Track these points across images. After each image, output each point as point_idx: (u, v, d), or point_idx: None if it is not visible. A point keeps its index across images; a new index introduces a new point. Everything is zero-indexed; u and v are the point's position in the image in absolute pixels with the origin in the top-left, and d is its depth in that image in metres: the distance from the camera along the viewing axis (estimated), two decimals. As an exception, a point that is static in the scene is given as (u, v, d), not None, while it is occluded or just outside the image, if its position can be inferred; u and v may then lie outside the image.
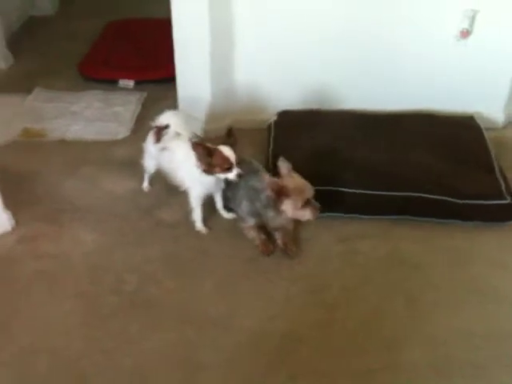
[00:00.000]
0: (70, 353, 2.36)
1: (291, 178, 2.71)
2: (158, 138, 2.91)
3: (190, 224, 2.96)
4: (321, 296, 2.60)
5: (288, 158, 3.11)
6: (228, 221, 3.00)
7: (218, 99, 3.66)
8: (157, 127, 2.96)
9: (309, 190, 2.68)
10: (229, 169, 2.72)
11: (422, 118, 3.65)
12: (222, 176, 2.76)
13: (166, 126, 2.90)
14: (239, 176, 2.73)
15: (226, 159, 2.71)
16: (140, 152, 3.17)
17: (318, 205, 2.69)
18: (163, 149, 2.90)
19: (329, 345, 2.39)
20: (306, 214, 2.69)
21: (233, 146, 2.75)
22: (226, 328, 2.45)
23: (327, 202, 2.98)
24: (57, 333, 2.44)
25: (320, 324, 2.48)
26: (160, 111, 3.91)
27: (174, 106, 3.84)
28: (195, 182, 2.83)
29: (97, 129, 3.81)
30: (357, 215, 3.05)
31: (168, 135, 2.89)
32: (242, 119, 3.73)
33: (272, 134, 3.52)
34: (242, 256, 2.80)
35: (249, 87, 3.75)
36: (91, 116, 3.95)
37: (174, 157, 2.88)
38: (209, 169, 2.73)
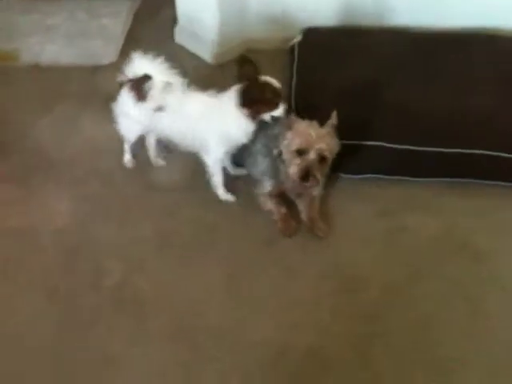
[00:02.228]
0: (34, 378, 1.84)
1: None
2: (142, 95, 2.17)
3: (192, 188, 2.33)
4: (357, 298, 2.03)
5: (314, 98, 2.45)
6: (241, 190, 2.36)
7: (227, 9, 2.87)
8: (132, 81, 2.20)
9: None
10: (277, 104, 2.13)
11: (486, 41, 2.84)
12: (268, 116, 2.15)
13: (146, 77, 2.15)
14: (287, 111, 2.16)
15: (277, 92, 2.12)
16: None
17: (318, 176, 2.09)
18: (159, 109, 2.17)
19: (365, 370, 1.85)
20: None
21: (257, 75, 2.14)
22: (232, 343, 1.91)
23: (362, 159, 2.36)
24: (19, 348, 1.92)
25: (356, 340, 1.91)
26: (156, 25, 3.24)
27: (172, 18, 3.08)
28: (222, 139, 2.18)
29: (78, 49, 3.10)
30: (400, 177, 2.39)
31: (155, 89, 2.15)
32: (258, 38, 2.99)
33: (295, 61, 2.79)
34: (257, 237, 2.21)
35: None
36: (72, 31, 3.22)
37: (184, 115, 2.18)
38: (258, 110, 2.12)
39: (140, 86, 2.15)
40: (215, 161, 2.24)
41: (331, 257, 2.15)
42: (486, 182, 2.36)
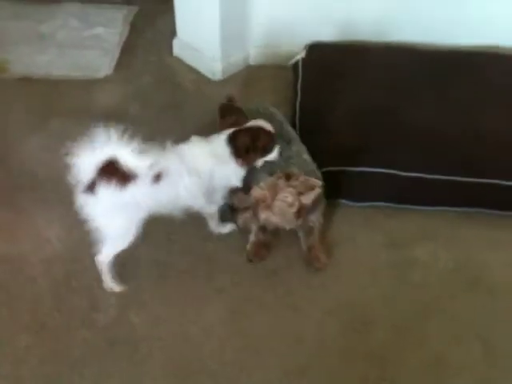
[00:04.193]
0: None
1: None
2: (127, 176, 1.81)
3: (189, 215, 2.20)
4: (365, 338, 1.90)
5: (321, 120, 2.33)
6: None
7: (229, 23, 2.73)
8: (104, 167, 1.80)
9: None
10: (271, 148, 2.01)
11: (497, 60, 2.74)
12: (262, 161, 2.02)
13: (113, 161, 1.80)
14: (280, 153, 2.03)
15: (270, 137, 2.00)
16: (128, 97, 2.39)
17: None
18: (157, 178, 1.86)
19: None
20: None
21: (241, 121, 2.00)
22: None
23: (369, 186, 2.24)
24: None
25: (365, 386, 1.79)
26: (154, 35, 3.10)
27: (171, 28, 2.95)
28: (224, 187, 2.04)
29: (71, 60, 2.96)
30: (410, 206, 2.27)
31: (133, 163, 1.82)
32: (260, 53, 2.86)
33: (300, 79, 2.66)
34: (257, 268, 2.08)
35: (271, 7, 2.79)
36: (65, 40, 3.08)
37: (178, 178, 1.91)
38: (253, 157, 1.98)
39: (115, 170, 1.79)
40: (216, 207, 2.09)
41: (337, 292, 2.02)
42: (501, 212, 2.25)
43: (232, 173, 1.98)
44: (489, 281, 2.07)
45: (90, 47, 3.02)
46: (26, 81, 2.81)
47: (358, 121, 2.38)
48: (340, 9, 2.78)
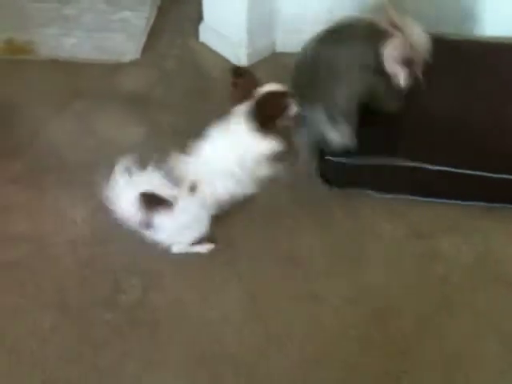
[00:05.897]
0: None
1: None
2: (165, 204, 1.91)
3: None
4: (387, 329, 1.90)
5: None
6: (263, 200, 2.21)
7: (256, 9, 2.72)
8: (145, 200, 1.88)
9: None
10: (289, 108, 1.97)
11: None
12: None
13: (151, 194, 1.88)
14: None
15: (285, 97, 1.95)
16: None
17: None
18: (193, 189, 1.91)
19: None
20: None
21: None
22: (252, 375, 1.78)
23: (395, 179, 2.24)
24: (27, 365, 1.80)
25: (384, 377, 1.79)
26: (180, 20, 3.08)
27: (198, 13, 2.94)
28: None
29: (97, 43, 2.96)
30: (438, 199, 2.26)
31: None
32: (287, 39, 2.83)
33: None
34: (277, 253, 2.09)
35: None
36: (91, 23, 3.08)
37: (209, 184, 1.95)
38: (277, 125, 1.95)
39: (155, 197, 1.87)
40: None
41: (358, 281, 2.02)
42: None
43: (262, 148, 1.94)
44: (510, 276, 2.05)
45: (116, 30, 3.02)
46: (52, 63, 2.82)
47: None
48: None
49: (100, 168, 2.32)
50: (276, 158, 1.99)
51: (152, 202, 1.86)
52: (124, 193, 1.89)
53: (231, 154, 1.94)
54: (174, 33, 2.99)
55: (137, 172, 1.92)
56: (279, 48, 2.87)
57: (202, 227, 1.98)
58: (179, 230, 1.96)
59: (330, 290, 1.99)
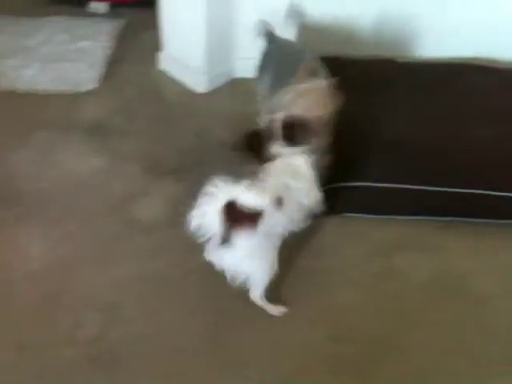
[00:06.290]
0: None
1: None
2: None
3: (176, 226, 2.18)
4: (348, 349, 1.89)
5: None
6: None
7: (215, 36, 2.75)
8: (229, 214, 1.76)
9: None
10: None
11: (482, 71, 2.76)
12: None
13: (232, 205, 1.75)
14: None
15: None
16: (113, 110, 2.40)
17: None
18: (279, 202, 1.85)
19: None
20: None
21: None
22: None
23: (352, 199, 2.26)
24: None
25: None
26: (140, 48, 3.09)
27: (156, 42, 2.97)
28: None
29: (56, 74, 2.95)
30: (392, 216, 2.28)
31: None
32: (246, 66, 2.84)
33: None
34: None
35: (255, 20, 2.79)
36: (50, 54, 3.07)
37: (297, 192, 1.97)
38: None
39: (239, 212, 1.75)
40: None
41: (320, 303, 2.01)
42: (484, 220, 2.26)
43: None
44: (471, 290, 2.06)
45: (75, 61, 3.02)
46: (11, 94, 2.80)
47: (339, 134, 2.37)
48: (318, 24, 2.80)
49: (59, 201, 2.33)
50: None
51: (239, 214, 1.73)
52: (213, 202, 1.74)
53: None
54: (133, 61, 3.00)
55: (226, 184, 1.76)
56: (238, 74, 2.89)
57: (272, 261, 1.89)
58: (256, 252, 1.83)
59: (293, 313, 1.97)
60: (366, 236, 2.23)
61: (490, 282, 2.09)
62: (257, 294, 1.94)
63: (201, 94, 2.84)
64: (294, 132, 1.98)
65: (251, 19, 2.75)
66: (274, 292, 1.98)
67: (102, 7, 3.34)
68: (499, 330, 1.95)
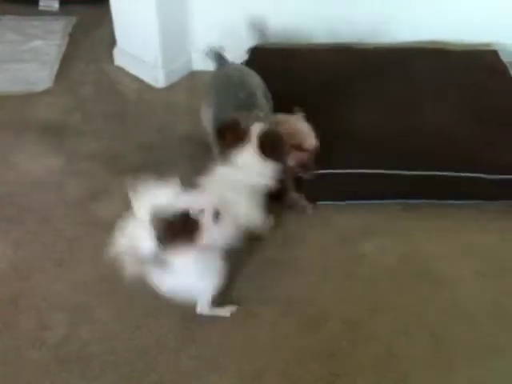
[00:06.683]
0: None
1: None
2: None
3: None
4: (319, 336, 1.91)
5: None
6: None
7: (168, 29, 2.73)
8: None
9: None
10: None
11: (435, 56, 2.82)
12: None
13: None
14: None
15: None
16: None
17: None
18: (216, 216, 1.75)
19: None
20: None
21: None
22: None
23: (316, 187, 2.27)
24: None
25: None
26: (94, 45, 3.05)
27: (111, 38, 2.92)
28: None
29: (9, 74, 2.89)
30: (357, 201, 2.31)
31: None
32: (202, 58, 2.83)
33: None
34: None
35: (210, 10, 2.79)
36: (2, 54, 3.02)
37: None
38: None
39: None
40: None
41: (289, 291, 2.03)
42: (447, 202, 2.30)
43: (266, 176, 1.96)
44: (435, 273, 2.10)
45: (28, 60, 2.96)
46: (-38, 97, 2.74)
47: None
48: (277, 11, 2.80)
49: (16, 203, 2.28)
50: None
51: (174, 230, 1.59)
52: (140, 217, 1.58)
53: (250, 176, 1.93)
54: (87, 59, 2.96)
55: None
56: (196, 66, 2.88)
57: (220, 273, 1.81)
58: (197, 270, 1.73)
59: (261, 304, 1.98)
60: (332, 223, 2.24)
61: (452, 264, 2.13)
62: (204, 307, 1.90)
63: (159, 89, 2.82)
64: (269, 144, 1.96)
65: (206, 9, 2.76)
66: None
67: (53, 4, 3.28)
68: (462, 311, 1.99)
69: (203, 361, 1.83)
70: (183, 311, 1.95)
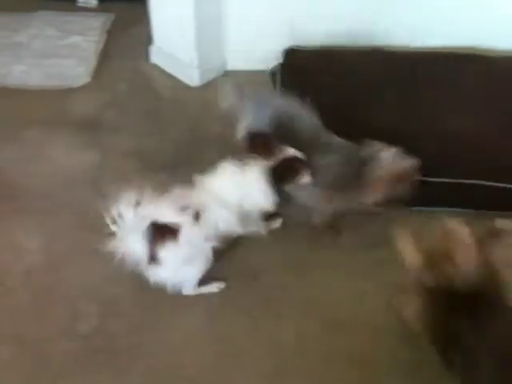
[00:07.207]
0: None
1: None
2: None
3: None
4: (343, 339, 1.92)
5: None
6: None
7: (205, 29, 2.76)
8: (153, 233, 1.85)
9: None
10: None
11: (470, 61, 2.78)
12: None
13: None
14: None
15: (304, 164, 2.03)
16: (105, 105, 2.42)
17: None
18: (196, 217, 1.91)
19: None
20: None
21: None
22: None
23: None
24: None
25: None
26: (131, 42, 3.09)
27: (148, 36, 2.97)
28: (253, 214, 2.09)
29: (47, 70, 2.94)
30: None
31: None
32: (238, 58, 2.87)
33: (278, 84, 2.66)
34: (238, 273, 2.09)
35: (246, 11, 2.81)
36: (41, 50, 3.07)
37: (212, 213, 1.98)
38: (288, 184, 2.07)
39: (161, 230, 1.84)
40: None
41: (314, 294, 2.03)
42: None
43: (263, 199, 2.01)
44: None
45: (66, 56, 3.01)
46: (2, 91, 2.79)
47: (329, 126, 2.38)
48: (315, 14, 2.81)
49: (53, 195, 2.33)
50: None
51: (159, 231, 1.83)
52: (133, 226, 1.83)
53: (236, 194, 1.98)
54: (124, 56, 2.99)
55: (142, 203, 1.84)
56: (231, 66, 2.90)
57: (204, 261, 1.96)
58: (183, 262, 1.90)
59: (287, 305, 2.00)
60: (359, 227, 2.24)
61: None
62: (189, 288, 1.99)
63: (193, 88, 2.85)
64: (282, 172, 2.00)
65: (242, 10, 2.78)
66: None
67: (91, 1, 3.33)
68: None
69: (227, 359, 1.86)
70: (209, 310, 1.99)
